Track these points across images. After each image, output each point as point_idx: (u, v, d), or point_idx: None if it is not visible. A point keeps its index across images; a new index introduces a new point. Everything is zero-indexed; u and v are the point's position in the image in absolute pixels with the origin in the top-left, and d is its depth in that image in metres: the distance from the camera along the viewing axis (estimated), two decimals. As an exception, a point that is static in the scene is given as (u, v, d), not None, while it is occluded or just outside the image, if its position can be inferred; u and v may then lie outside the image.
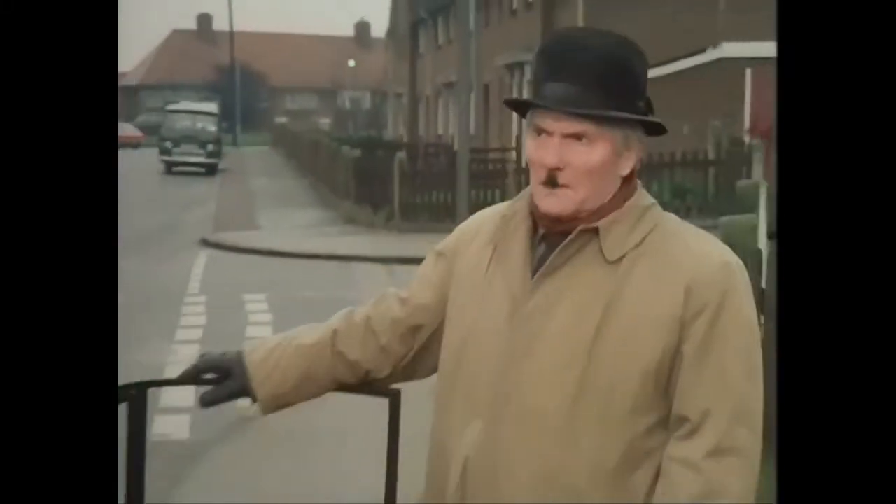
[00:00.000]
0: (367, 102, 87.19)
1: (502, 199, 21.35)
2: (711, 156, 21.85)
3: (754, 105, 21.69)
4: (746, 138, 21.59)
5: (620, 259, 2.29)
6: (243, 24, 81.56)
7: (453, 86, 32.95)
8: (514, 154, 27.75)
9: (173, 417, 8.67)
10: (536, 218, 2.37)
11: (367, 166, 25.86)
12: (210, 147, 42.76)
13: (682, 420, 2.22)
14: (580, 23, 29.19)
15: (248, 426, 8.37)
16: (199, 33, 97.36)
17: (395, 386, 2.63)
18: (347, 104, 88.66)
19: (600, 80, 2.28)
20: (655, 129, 2.39)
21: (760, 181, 8.51)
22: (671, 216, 2.40)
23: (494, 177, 24.34)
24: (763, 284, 6.51)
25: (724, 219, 7.23)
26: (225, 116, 53.69)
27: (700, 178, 21.64)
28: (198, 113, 44.74)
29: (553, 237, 2.34)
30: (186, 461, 7.92)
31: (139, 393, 2.68)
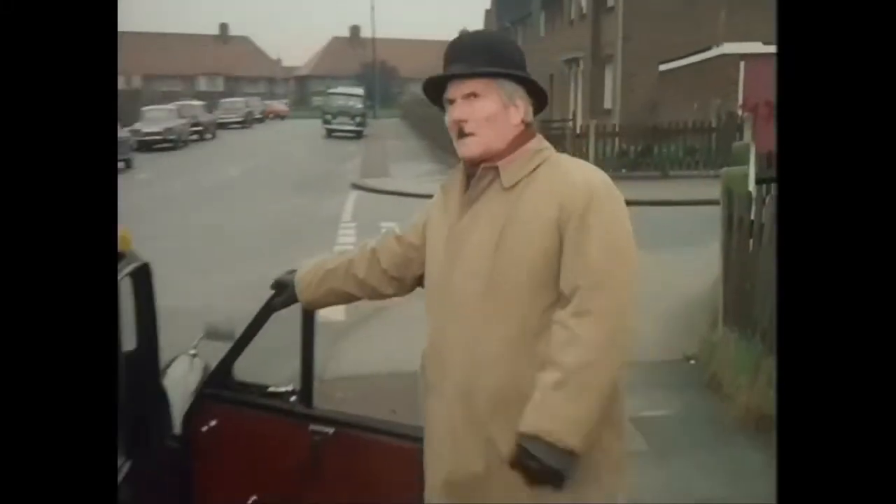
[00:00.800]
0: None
1: (562, 156, 21.03)
2: (714, 125, 21.56)
3: (745, 88, 21.69)
4: (739, 112, 21.43)
5: (514, 186, 2.30)
6: (382, 32, 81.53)
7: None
8: (570, 124, 27.46)
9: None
10: (465, 166, 2.41)
11: (467, 132, 25.71)
12: (358, 119, 42.94)
13: (562, 295, 2.23)
14: (620, 31, 28.59)
15: (381, 314, 8.43)
16: (351, 39, 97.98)
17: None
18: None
19: (482, 56, 2.34)
20: (540, 94, 2.42)
21: (750, 143, 8.34)
22: (561, 156, 2.40)
23: (557, 140, 24.03)
24: (752, 217, 6.37)
25: (724, 170, 7.17)
26: (368, 97, 53.88)
27: (705, 140, 21.50)
28: (349, 95, 44.78)
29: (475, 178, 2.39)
30: (341, 335, 8.00)
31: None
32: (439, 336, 2.36)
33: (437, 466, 2.37)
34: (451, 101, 2.38)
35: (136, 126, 34.22)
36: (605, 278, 2.19)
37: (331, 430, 2.64)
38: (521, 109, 2.37)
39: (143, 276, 2.38)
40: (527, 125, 2.39)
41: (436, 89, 2.44)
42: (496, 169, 2.34)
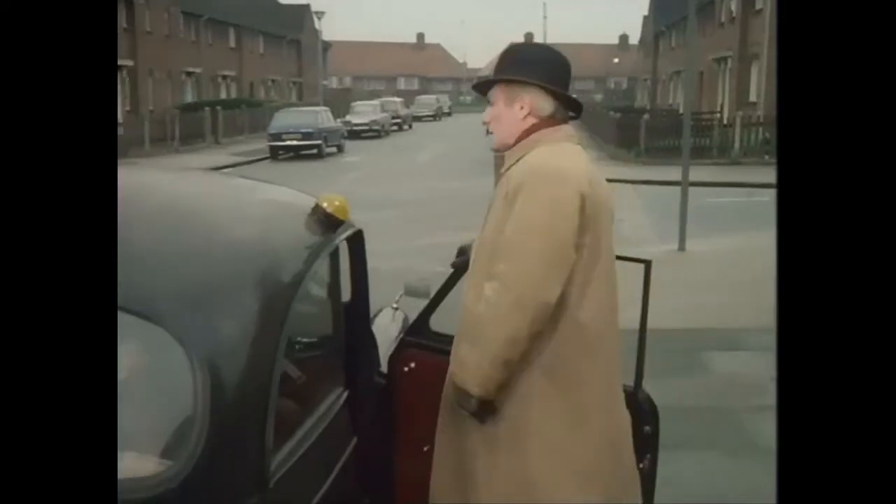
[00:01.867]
0: (624, 84, 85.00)
1: (711, 145, 20.13)
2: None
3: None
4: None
5: (508, 170, 2.32)
6: (552, 37, 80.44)
7: (680, 73, 31.82)
8: (717, 115, 26.39)
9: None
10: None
11: (624, 123, 25.08)
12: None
13: None
14: (767, 30, 27.17)
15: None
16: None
17: None
18: (612, 85, 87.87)
19: (504, 67, 2.38)
20: (554, 91, 2.35)
21: None
22: (553, 144, 2.32)
23: (705, 129, 23.22)
24: None
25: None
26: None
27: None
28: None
29: None
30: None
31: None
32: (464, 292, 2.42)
33: None
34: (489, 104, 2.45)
35: (347, 118, 35.54)
36: (514, 249, 2.14)
37: None
38: (526, 107, 2.34)
39: (357, 241, 2.47)
40: (541, 118, 2.34)
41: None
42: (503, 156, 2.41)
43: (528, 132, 2.35)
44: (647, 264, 2.47)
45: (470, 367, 2.15)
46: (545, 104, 2.34)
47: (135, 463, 1.60)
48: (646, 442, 2.46)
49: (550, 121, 2.36)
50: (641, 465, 2.43)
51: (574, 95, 2.44)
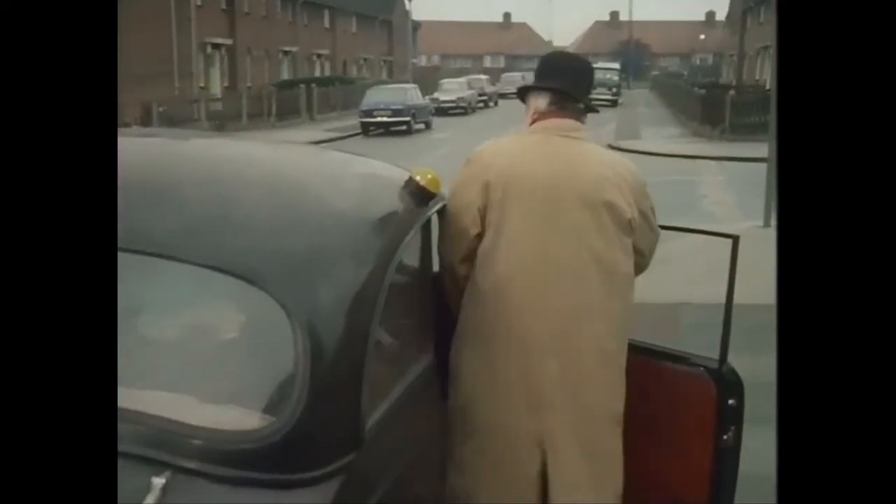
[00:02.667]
0: (709, 61, 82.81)
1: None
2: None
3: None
4: None
5: None
6: (638, 15, 79.00)
7: (768, 48, 30.79)
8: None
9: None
10: None
11: (709, 100, 24.37)
12: (614, 90, 41.85)
13: None
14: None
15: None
16: (610, 22, 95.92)
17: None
18: (697, 62, 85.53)
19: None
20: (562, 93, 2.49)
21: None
22: (520, 133, 2.57)
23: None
24: None
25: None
26: (623, 71, 52.57)
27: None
28: (607, 69, 43.59)
29: None
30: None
31: None
32: None
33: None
34: None
35: (435, 95, 35.47)
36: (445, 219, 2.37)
37: None
38: (531, 107, 2.51)
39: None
40: (541, 114, 2.48)
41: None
42: None
43: (531, 124, 2.51)
44: (735, 240, 2.42)
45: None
46: (540, 102, 2.50)
47: (240, 417, 1.66)
48: (730, 415, 2.43)
49: (548, 114, 2.46)
50: (725, 437, 2.41)
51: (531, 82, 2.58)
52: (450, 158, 18.40)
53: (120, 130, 1.79)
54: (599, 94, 41.71)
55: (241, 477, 1.57)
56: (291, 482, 1.60)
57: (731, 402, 2.43)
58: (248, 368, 1.79)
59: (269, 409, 1.67)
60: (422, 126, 27.44)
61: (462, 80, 40.49)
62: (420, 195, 2.19)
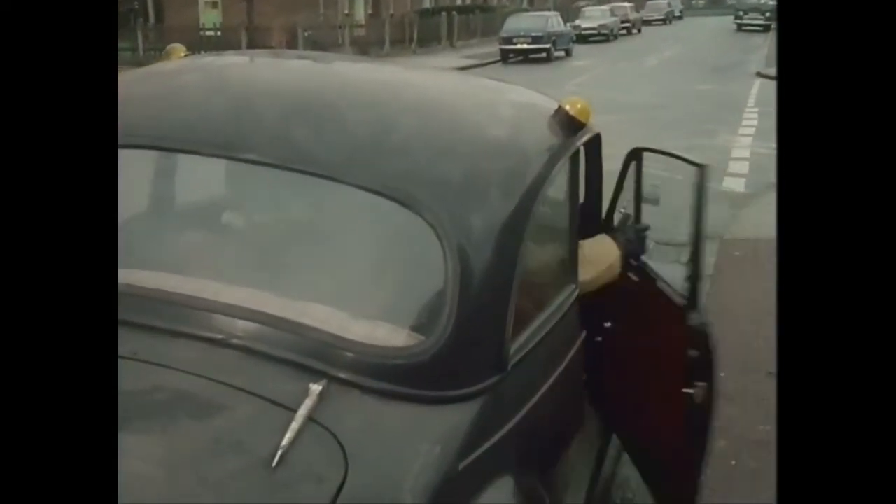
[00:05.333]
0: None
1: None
2: None
3: None
4: None
5: None
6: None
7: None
8: None
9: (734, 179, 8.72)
10: None
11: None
12: (767, 14, 39.42)
13: None
14: None
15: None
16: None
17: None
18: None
19: None
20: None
21: None
22: None
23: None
24: None
25: None
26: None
27: None
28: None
29: None
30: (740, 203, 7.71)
31: (638, 154, 2.79)
32: None
33: None
34: None
35: (577, 22, 34.81)
36: None
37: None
38: None
39: (595, 144, 2.44)
40: None
41: None
42: None
43: None
44: (702, 169, 2.29)
45: None
46: None
47: (391, 334, 1.72)
48: (694, 367, 2.26)
49: None
50: (692, 391, 2.25)
51: None
52: (590, 86, 18.02)
53: (276, 52, 1.88)
54: (753, 19, 39.50)
55: (391, 390, 1.63)
56: (437, 399, 1.66)
57: (691, 352, 2.26)
58: (400, 289, 1.85)
59: (418, 328, 1.73)
60: (562, 53, 26.85)
61: (605, 7, 39.28)
62: (570, 125, 2.15)
